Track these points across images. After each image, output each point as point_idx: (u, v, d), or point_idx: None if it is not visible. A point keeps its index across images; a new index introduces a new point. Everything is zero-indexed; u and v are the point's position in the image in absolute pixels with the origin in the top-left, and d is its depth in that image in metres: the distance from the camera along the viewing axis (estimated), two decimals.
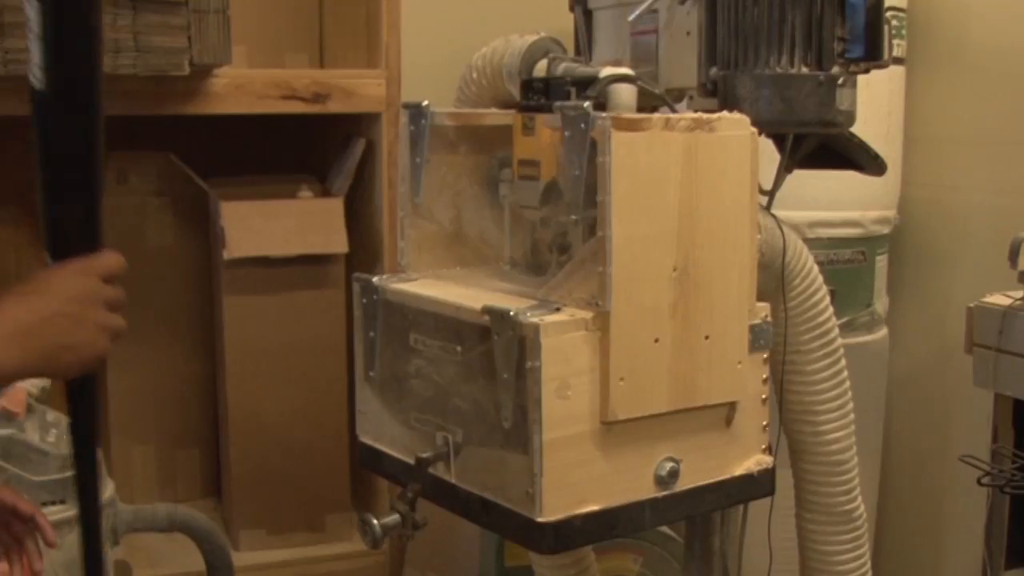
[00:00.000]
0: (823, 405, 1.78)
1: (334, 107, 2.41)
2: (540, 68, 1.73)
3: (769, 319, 1.61)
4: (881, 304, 2.77)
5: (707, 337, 1.52)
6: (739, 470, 1.61)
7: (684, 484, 1.55)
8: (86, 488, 1.41)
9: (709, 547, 1.83)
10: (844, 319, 2.49)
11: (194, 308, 2.68)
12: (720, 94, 1.71)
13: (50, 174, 1.28)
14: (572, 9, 2.05)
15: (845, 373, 1.79)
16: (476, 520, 1.57)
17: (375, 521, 1.52)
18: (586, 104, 1.46)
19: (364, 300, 1.69)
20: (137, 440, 2.67)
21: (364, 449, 1.73)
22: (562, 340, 1.41)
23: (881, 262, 2.75)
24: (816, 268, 1.77)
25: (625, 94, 1.63)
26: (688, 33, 1.77)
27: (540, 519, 1.42)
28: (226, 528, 2.53)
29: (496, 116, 1.71)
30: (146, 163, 2.60)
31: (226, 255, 2.36)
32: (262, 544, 2.49)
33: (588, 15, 2.03)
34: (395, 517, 1.54)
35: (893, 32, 2.57)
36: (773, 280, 1.71)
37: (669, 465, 1.53)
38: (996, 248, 2.23)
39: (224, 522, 2.57)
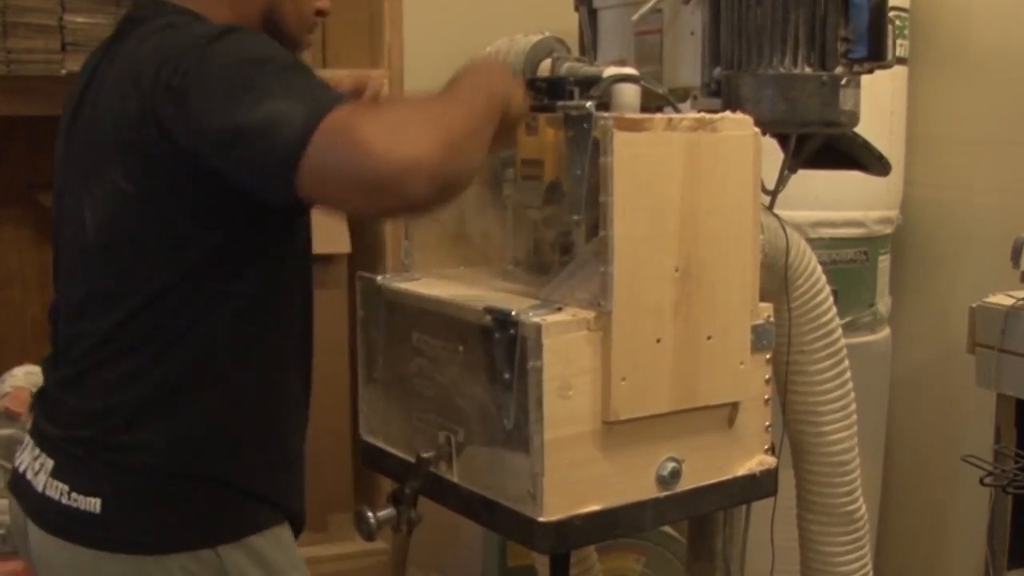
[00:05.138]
0: (826, 406, 1.77)
1: None
2: (544, 67, 1.73)
3: (772, 319, 1.61)
4: (884, 304, 2.77)
5: (709, 337, 1.52)
6: (741, 470, 1.61)
7: (686, 484, 1.54)
8: None
9: (712, 547, 1.83)
10: (847, 319, 2.49)
11: None
12: (723, 94, 1.71)
13: None
14: (577, 9, 2.05)
15: (848, 373, 1.79)
16: (478, 519, 1.57)
17: (370, 513, 1.52)
18: (588, 104, 1.46)
19: (367, 300, 1.69)
20: None
21: (367, 448, 1.73)
22: (564, 340, 1.41)
23: (884, 262, 2.75)
24: (819, 268, 1.76)
25: (629, 94, 1.63)
26: (692, 33, 1.77)
27: (541, 519, 1.42)
28: None
29: None
30: None
31: None
32: None
33: (592, 15, 2.03)
34: (391, 511, 1.53)
35: (896, 32, 2.57)
36: (776, 280, 1.71)
37: (671, 465, 1.52)
38: (999, 248, 2.23)
39: None
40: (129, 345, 1.39)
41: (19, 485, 1.49)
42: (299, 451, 1.55)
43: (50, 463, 1.44)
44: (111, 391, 1.40)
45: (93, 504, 1.38)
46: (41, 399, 1.54)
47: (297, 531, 1.54)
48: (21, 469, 1.49)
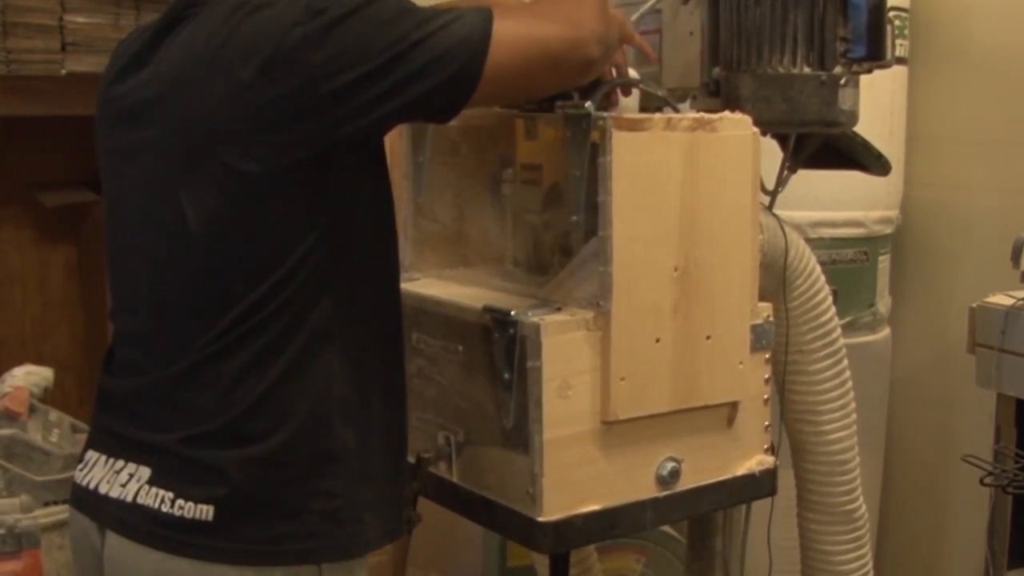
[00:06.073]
0: (825, 405, 1.77)
1: None
2: None
3: (771, 319, 1.61)
4: (884, 304, 2.77)
5: (709, 337, 1.52)
6: (741, 470, 1.61)
7: (685, 484, 1.55)
8: None
9: (711, 547, 1.83)
10: (847, 319, 2.49)
11: None
12: (723, 94, 1.71)
13: None
14: None
15: (847, 373, 1.79)
16: (477, 519, 1.57)
17: None
18: (587, 104, 1.46)
19: None
20: None
21: None
22: (563, 340, 1.41)
23: (884, 262, 2.75)
24: (818, 268, 1.77)
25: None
26: (691, 33, 1.77)
27: (540, 519, 1.43)
28: None
29: (498, 116, 1.71)
30: None
31: None
32: None
33: None
34: None
35: (896, 32, 2.57)
36: (775, 280, 1.71)
37: (670, 465, 1.53)
38: (999, 248, 2.23)
39: None
40: (253, 332, 1.30)
41: (89, 499, 1.39)
42: (406, 438, 1.48)
43: (145, 471, 1.34)
44: (235, 381, 1.31)
45: (205, 512, 1.30)
46: (116, 407, 1.43)
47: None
48: (92, 485, 1.39)
